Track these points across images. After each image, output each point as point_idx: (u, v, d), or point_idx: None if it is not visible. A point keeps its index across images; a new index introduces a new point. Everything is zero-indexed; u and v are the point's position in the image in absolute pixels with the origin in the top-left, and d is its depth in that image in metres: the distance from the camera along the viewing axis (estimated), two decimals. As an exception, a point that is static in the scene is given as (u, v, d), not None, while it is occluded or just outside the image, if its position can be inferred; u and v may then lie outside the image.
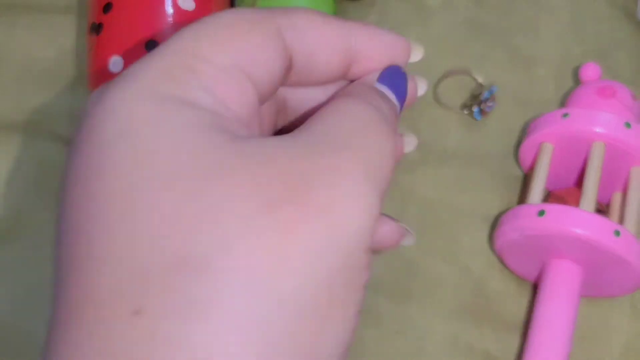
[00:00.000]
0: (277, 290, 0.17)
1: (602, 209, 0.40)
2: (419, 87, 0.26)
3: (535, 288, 0.40)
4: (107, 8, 0.38)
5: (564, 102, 0.45)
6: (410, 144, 0.27)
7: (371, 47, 0.24)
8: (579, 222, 0.34)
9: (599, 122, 0.37)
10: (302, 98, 0.25)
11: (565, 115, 0.38)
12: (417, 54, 0.26)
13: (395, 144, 0.21)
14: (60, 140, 0.43)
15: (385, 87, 0.23)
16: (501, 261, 0.41)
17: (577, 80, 0.46)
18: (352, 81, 0.24)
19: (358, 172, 0.19)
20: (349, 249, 0.18)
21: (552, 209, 0.35)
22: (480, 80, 0.46)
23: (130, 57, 0.37)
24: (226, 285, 0.17)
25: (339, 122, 0.20)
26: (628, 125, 0.37)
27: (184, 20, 0.38)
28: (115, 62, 0.37)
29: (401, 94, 0.24)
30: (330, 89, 0.24)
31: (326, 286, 0.18)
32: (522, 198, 0.41)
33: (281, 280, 0.17)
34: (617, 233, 0.34)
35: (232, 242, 0.17)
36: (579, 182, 0.40)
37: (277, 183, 0.18)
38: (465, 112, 0.45)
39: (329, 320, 0.18)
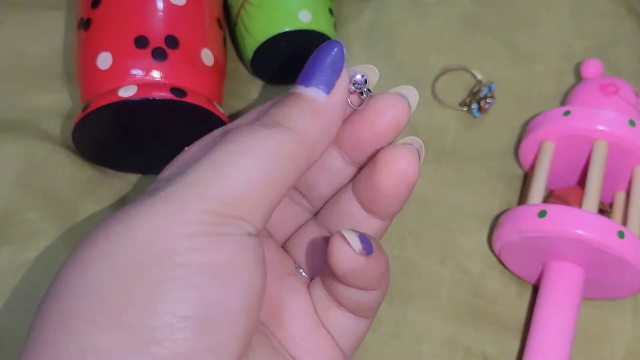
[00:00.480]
0: None
1: (604, 209, 0.39)
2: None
3: (535, 290, 0.39)
4: (95, 3, 0.37)
5: (564, 100, 0.44)
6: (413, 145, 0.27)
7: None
8: (581, 223, 0.33)
9: (602, 120, 0.36)
10: None
11: (566, 113, 0.37)
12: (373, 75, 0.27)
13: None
14: (49, 138, 0.41)
15: (307, 88, 0.25)
16: (501, 262, 0.40)
17: (578, 77, 0.45)
18: None
19: None
20: None
21: (554, 209, 0.34)
22: (479, 76, 0.45)
23: (120, 53, 0.36)
24: None
25: None
26: (632, 123, 0.36)
27: (175, 15, 0.37)
28: (103, 58, 0.36)
29: (326, 84, 0.25)
30: None
31: None
32: (523, 198, 0.40)
33: None
34: (621, 234, 0.33)
35: None
36: (581, 181, 0.39)
37: None
38: (464, 109, 0.44)
39: None
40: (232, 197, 0.23)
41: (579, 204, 0.37)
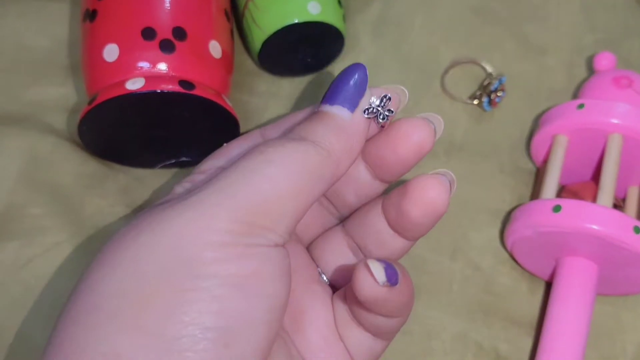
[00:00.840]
0: None
1: (618, 204, 0.38)
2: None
3: (547, 286, 0.39)
4: (101, -6, 0.37)
5: (576, 93, 0.43)
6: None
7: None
8: (597, 218, 0.33)
9: (616, 113, 0.36)
10: None
11: (580, 106, 0.37)
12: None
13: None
14: (53, 132, 0.41)
15: (332, 106, 0.26)
16: (512, 258, 0.39)
17: (589, 70, 0.45)
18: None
19: None
20: None
21: (568, 204, 0.34)
22: (489, 69, 0.44)
23: (126, 45, 0.35)
24: None
25: None
26: (647, 116, 0.36)
27: (182, 6, 0.36)
28: (110, 50, 0.35)
29: (350, 102, 0.26)
30: None
31: None
32: (535, 193, 0.39)
33: None
34: (637, 229, 0.33)
35: None
36: (594, 176, 0.39)
37: None
38: (474, 102, 0.43)
39: None
40: (260, 205, 0.23)
41: (592, 199, 0.37)
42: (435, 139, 0.28)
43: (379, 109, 0.27)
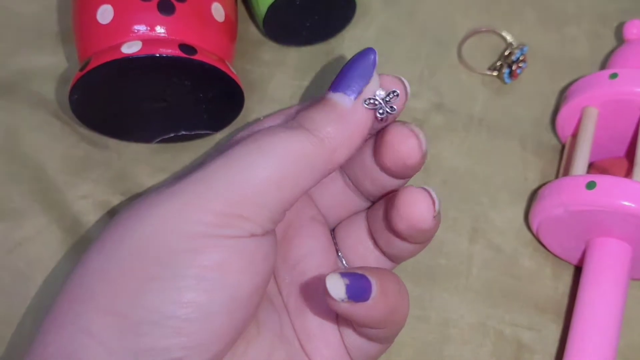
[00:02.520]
0: None
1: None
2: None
3: (573, 270, 0.36)
4: (94, -49, 0.34)
5: (603, 63, 0.41)
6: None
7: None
8: (634, 195, 0.30)
9: (654, 83, 0.33)
10: None
11: (613, 75, 0.34)
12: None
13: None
14: (42, 106, 0.38)
15: (334, 93, 0.26)
16: (536, 239, 0.37)
17: (613, 40, 0.42)
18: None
19: None
20: None
21: (604, 180, 0.31)
22: (509, 39, 0.42)
23: (122, 6, 0.32)
24: None
25: None
26: (686, 86, 0.33)
27: (183, -36, 0.33)
28: (104, 11, 0.32)
29: (353, 90, 0.26)
30: None
31: None
32: (563, 169, 0.37)
33: None
34: (678, 208, 0.30)
35: None
36: (626, 151, 0.36)
37: None
38: (494, 74, 0.41)
39: None
40: (239, 194, 0.24)
41: (624, 176, 0.34)
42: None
43: (382, 102, 0.26)
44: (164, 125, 0.36)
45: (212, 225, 0.23)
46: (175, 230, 0.23)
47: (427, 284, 0.36)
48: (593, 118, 0.35)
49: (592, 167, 0.37)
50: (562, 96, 0.38)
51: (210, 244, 0.23)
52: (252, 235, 0.24)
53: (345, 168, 0.30)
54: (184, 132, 0.37)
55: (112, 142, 0.37)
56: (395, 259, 0.30)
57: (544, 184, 0.37)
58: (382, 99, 0.26)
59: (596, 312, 0.32)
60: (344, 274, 0.23)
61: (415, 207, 0.25)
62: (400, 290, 0.26)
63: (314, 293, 0.28)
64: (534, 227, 0.35)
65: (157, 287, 0.23)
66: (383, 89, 0.26)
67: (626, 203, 0.31)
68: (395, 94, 0.26)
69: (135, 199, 0.36)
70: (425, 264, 0.36)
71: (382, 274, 0.25)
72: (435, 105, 0.40)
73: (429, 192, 0.26)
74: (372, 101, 0.26)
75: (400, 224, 0.26)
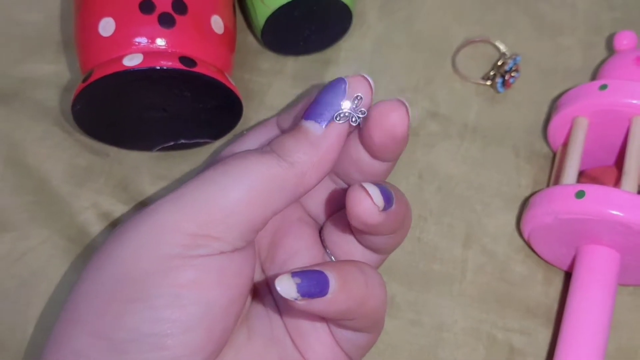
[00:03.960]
0: None
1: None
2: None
3: (564, 275, 0.37)
4: (96, -36, 0.34)
5: (594, 74, 0.42)
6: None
7: None
8: (622, 204, 0.31)
9: (642, 94, 0.34)
10: None
11: (603, 87, 0.35)
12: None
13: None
14: (45, 115, 0.39)
15: (306, 121, 0.27)
16: (528, 245, 0.37)
17: (606, 50, 0.43)
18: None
19: None
20: None
21: (592, 189, 0.32)
22: (503, 49, 0.42)
23: (123, 19, 0.33)
24: None
25: None
26: (674, 98, 0.34)
27: (183, -22, 0.34)
28: (106, 24, 0.33)
29: (324, 118, 0.27)
30: None
31: None
32: (554, 178, 0.37)
33: None
34: (665, 217, 0.31)
35: None
36: (615, 161, 0.37)
37: None
38: (487, 83, 0.41)
39: None
40: (208, 215, 0.25)
41: (613, 185, 0.35)
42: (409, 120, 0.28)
43: (351, 112, 0.27)
44: (164, 134, 0.37)
45: (184, 246, 0.25)
46: (150, 254, 0.25)
47: (421, 288, 0.37)
48: (583, 128, 0.36)
49: (582, 176, 0.37)
50: (554, 106, 0.39)
51: (183, 263, 0.25)
52: (222, 252, 0.26)
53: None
54: (183, 141, 0.37)
55: (113, 151, 0.38)
56: (379, 252, 0.30)
57: (535, 192, 0.37)
58: (351, 109, 0.27)
59: (585, 316, 0.33)
60: (295, 274, 0.24)
61: (360, 205, 0.26)
62: (368, 280, 0.26)
63: None
64: (526, 234, 0.36)
65: (134, 308, 0.25)
66: (348, 100, 0.27)
67: (614, 212, 0.31)
68: (359, 98, 0.27)
69: (137, 208, 0.37)
70: (419, 269, 0.37)
71: (343, 267, 0.26)
72: (430, 114, 0.41)
73: (368, 192, 0.26)
74: (342, 115, 0.27)
75: (352, 222, 0.27)
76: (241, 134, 0.31)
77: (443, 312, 0.36)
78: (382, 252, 0.30)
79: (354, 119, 0.27)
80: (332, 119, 0.27)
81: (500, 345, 0.36)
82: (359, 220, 0.26)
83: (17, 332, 0.34)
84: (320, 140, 0.27)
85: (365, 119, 0.28)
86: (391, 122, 0.27)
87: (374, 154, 0.29)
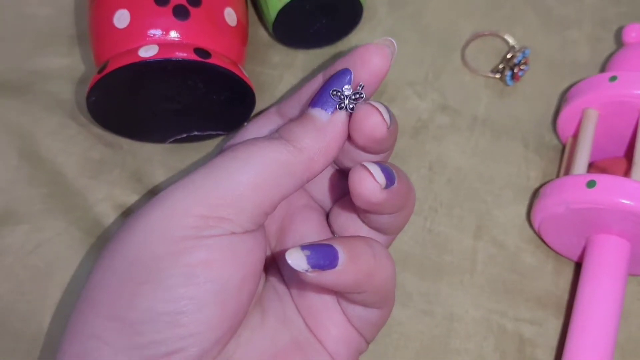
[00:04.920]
0: None
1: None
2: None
3: (574, 266, 0.37)
4: (110, -43, 0.35)
5: (603, 66, 0.42)
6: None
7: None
8: (633, 193, 0.31)
9: (652, 85, 0.34)
10: None
11: (613, 78, 0.35)
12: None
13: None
14: (59, 107, 0.39)
15: (313, 108, 0.28)
16: (539, 236, 0.38)
17: (613, 44, 0.43)
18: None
19: None
20: None
21: (603, 179, 0.32)
22: (511, 42, 0.43)
23: (138, 11, 0.33)
24: None
25: None
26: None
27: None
28: (120, 16, 0.33)
29: (330, 106, 0.28)
30: None
31: None
32: (564, 169, 0.38)
33: None
34: (676, 206, 0.31)
35: None
36: (625, 152, 0.37)
37: None
38: (496, 76, 0.42)
39: None
40: (218, 199, 0.26)
41: (623, 176, 0.36)
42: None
43: (349, 99, 0.28)
44: (177, 126, 0.37)
45: (195, 227, 0.26)
46: (162, 237, 0.26)
47: (433, 279, 0.37)
48: (593, 119, 0.36)
49: (592, 167, 0.38)
50: (563, 98, 0.40)
51: (195, 244, 0.25)
52: (233, 233, 0.26)
53: None
54: (196, 133, 0.38)
55: (126, 143, 0.38)
56: (385, 232, 0.30)
57: (545, 183, 0.38)
58: (348, 96, 0.28)
59: (595, 306, 0.33)
60: (304, 247, 0.25)
61: (362, 184, 0.26)
62: (376, 254, 0.27)
63: None
64: (536, 225, 0.36)
65: (146, 289, 0.25)
66: (348, 87, 0.28)
67: (625, 201, 0.32)
68: (361, 87, 0.28)
69: (151, 199, 0.37)
70: (431, 260, 0.37)
71: (351, 241, 0.26)
72: (440, 107, 0.41)
73: (370, 171, 0.26)
74: (342, 102, 0.28)
75: (356, 201, 0.27)
76: (243, 126, 0.31)
77: (454, 303, 0.37)
78: (389, 232, 0.31)
79: (351, 106, 0.28)
80: (336, 107, 0.28)
81: (510, 335, 0.36)
82: (362, 199, 0.26)
83: (32, 322, 0.34)
84: (326, 127, 0.28)
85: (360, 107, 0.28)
86: (369, 127, 0.27)
87: (362, 150, 0.29)
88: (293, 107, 0.31)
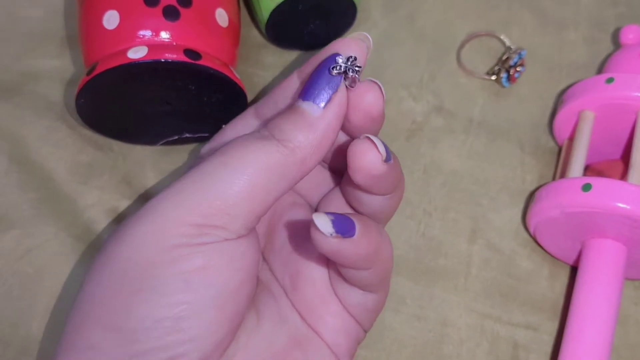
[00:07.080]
0: None
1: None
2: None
3: (570, 270, 0.37)
4: (100, -43, 0.34)
5: (600, 68, 0.41)
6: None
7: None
8: (629, 197, 0.31)
9: (649, 87, 0.34)
10: None
11: (609, 80, 0.35)
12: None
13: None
14: (48, 110, 0.39)
15: (304, 102, 0.26)
16: (534, 240, 0.37)
17: (611, 45, 0.43)
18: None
19: None
20: None
21: (599, 182, 0.32)
22: (507, 43, 0.42)
23: (127, 12, 0.33)
24: None
25: None
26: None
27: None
28: (110, 16, 0.33)
29: (322, 98, 0.26)
30: None
31: None
32: (560, 172, 0.37)
33: None
34: (672, 210, 0.31)
35: None
36: (621, 154, 0.37)
37: None
38: (492, 78, 0.41)
39: None
40: (211, 208, 0.25)
41: (619, 179, 0.35)
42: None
43: (347, 66, 0.26)
44: (168, 128, 0.37)
45: (189, 235, 0.25)
46: (154, 246, 0.25)
47: (426, 283, 0.36)
48: (589, 121, 0.36)
49: (588, 170, 0.37)
50: (559, 100, 0.39)
51: (189, 252, 0.25)
52: (226, 239, 0.26)
53: None
54: (187, 135, 0.37)
55: (117, 146, 0.38)
56: (376, 218, 0.30)
57: (541, 186, 0.37)
58: (346, 64, 0.26)
59: (591, 311, 0.33)
60: (328, 213, 0.25)
61: (366, 156, 0.25)
62: (381, 231, 0.27)
63: (302, 268, 0.30)
64: (531, 228, 0.36)
65: (143, 297, 0.25)
66: (342, 57, 0.26)
67: (621, 205, 0.31)
68: (353, 58, 0.27)
69: (142, 203, 0.37)
70: (425, 264, 0.37)
71: (361, 216, 0.26)
72: (435, 108, 0.41)
73: (373, 142, 0.26)
74: (338, 68, 0.26)
75: (356, 175, 0.26)
76: (221, 129, 0.31)
77: (448, 307, 0.36)
78: (380, 218, 0.30)
79: (351, 71, 0.26)
80: (329, 100, 0.26)
81: (504, 340, 0.35)
82: (364, 171, 0.25)
83: (20, 328, 0.34)
84: (318, 122, 0.26)
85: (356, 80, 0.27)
86: (367, 102, 0.27)
87: (351, 134, 0.28)
88: (269, 108, 0.29)
